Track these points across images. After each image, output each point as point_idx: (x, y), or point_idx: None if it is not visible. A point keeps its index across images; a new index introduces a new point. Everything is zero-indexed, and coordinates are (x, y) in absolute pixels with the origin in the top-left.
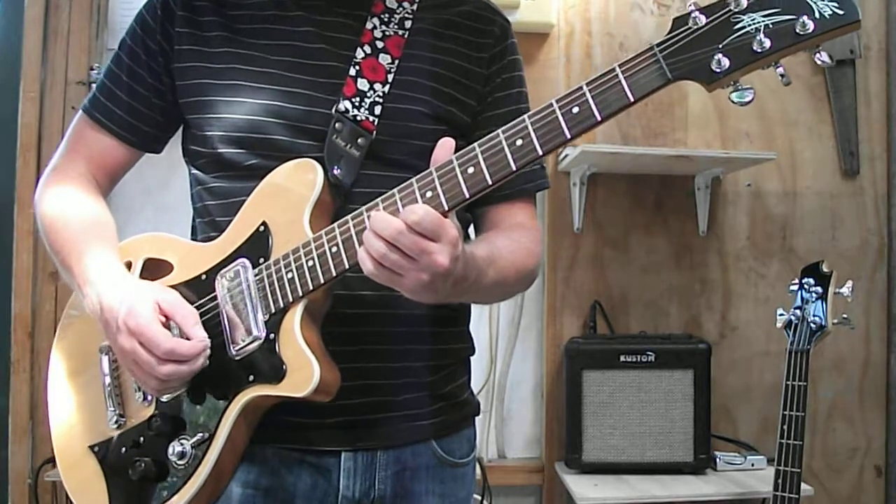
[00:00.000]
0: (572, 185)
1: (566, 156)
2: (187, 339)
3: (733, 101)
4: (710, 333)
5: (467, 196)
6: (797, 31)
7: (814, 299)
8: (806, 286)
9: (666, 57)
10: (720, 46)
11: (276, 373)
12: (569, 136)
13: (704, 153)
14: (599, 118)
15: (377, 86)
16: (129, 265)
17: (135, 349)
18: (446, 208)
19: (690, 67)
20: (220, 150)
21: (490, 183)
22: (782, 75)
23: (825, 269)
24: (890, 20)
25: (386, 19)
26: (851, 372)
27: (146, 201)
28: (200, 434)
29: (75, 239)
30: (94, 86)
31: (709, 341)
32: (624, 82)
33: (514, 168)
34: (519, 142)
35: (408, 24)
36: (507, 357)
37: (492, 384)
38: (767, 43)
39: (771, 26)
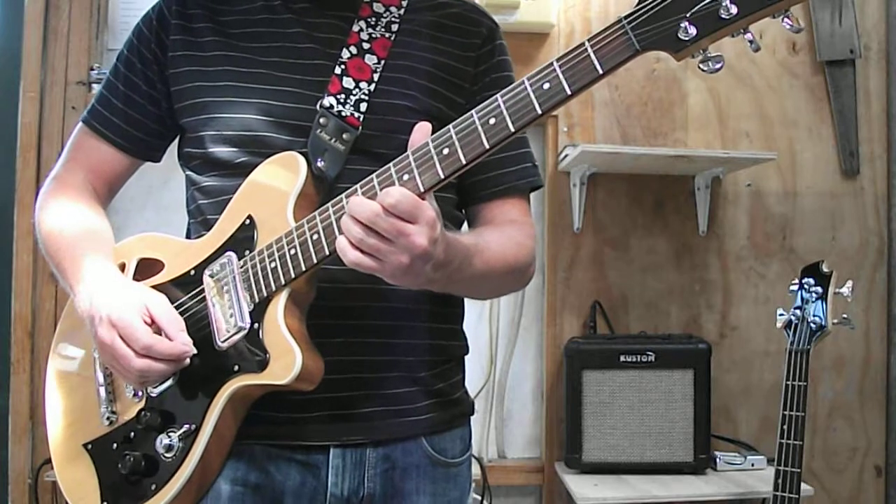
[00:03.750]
0: (572, 185)
1: (566, 156)
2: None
3: (702, 70)
4: (710, 333)
5: (442, 177)
6: None
7: (814, 299)
8: (806, 286)
9: (634, 28)
10: (687, 15)
11: (260, 361)
12: (539, 112)
13: (704, 153)
14: (569, 92)
15: (363, 84)
16: (122, 266)
17: (113, 340)
18: (422, 190)
19: (658, 37)
20: (211, 150)
21: (464, 163)
22: (751, 41)
23: (825, 269)
24: (890, 20)
25: (373, 23)
26: (851, 372)
27: (146, 201)
28: (187, 426)
29: (70, 244)
30: (94, 86)
31: (709, 341)
32: (593, 56)
33: (486, 146)
34: (492, 120)
35: (394, 27)
36: (507, 357)
37: (492, 384)
38: (734, 9)
39: None
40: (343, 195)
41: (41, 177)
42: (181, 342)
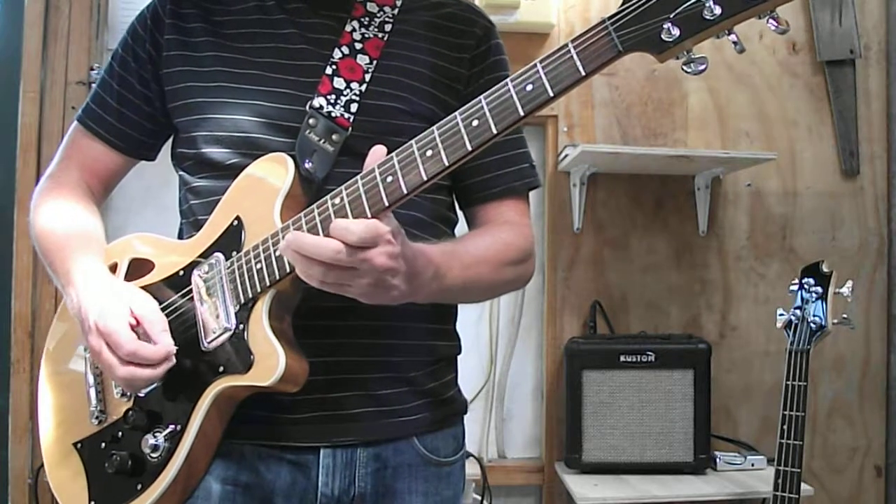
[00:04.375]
0: (572, 185)
1: (566, 156)
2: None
3: (686, 72)
4: (710, 333)
5: (425, 178)
6: None
7: (814, 299)
8: (806, 286)
9: (617, 29)
10: (671, 16)
11: (245, 363)
12: (522, 114)
13: (704, 153)
14: (552, 94)
15: (354, 85)
16: (115, 266)
17: (101, 349)
18: (405, 192)
19: (641, 38)
20: (203, 150)
21: (447, 164)
22: (735, 42)
23: (825, 269)
24: (890, 20)
25: (366, 23)
26: (851, 372)
27: (146, 201)
28: (173, 427)
29: (61, 244)
30: (94, 86)
31: (709, 341)
32: (576, 57)
33: (469, 148)
34: (475, 122)
35: (388, 27)
36: (507, 357)
37: (492, 384)
38: (718, 10)
39: None
40: (328, 196)
41: (41, 177)
42: (164, 345)
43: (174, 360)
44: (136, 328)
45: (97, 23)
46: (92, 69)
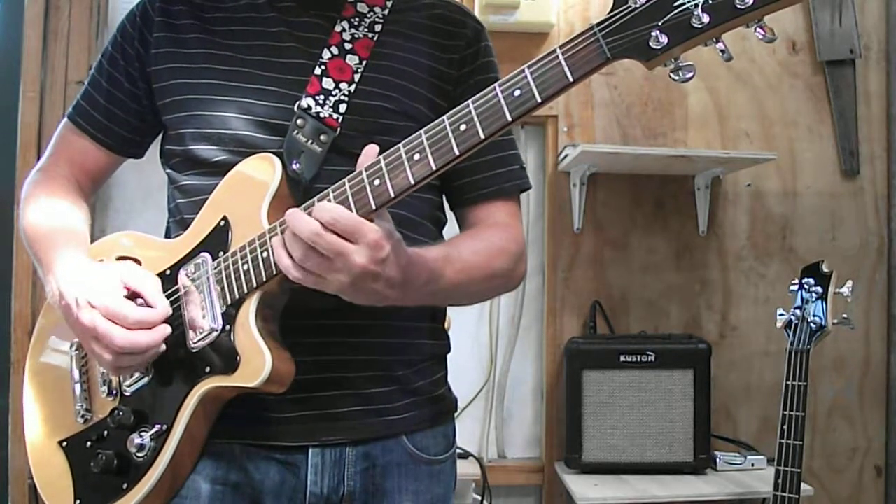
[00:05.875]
0: (572, 185)
1: (566, 156)
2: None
3: (673, 79)
4: (710, 333)
5: (412, 182)
6: (736, 4)
7: (814, 299)
8: (806, 286)
9: (605, 36)
10: (659, 24)
11: (231, 363)
12: (510, 119)
13: (704, 153)
14: (539, 100)
15: (343, 85)
16: None
17: (94, 321)
18: (392, 195)
19: (629, 45)
20: (191, 147)
21: (434, 168)
22: (722, 51)
23: (825, 269)
24: (890, 20)
25: (356, 23)
26: (851, 372)
27: (146, 201)
28: (159, 426)
29: (48, 236)
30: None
31: (709, 341)
32: (564, 63)
33: (457, 153)
34: (462, 126)
35: (377, 27)
36: (507, 357)
37: (492, 384)
38: (706, 18)
39: (710, 2)
40: (315, 199)
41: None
42: (162, 306)
43: (169, 329)
44: (130, 297)
45: (97, 23)
46: (91, 69)
